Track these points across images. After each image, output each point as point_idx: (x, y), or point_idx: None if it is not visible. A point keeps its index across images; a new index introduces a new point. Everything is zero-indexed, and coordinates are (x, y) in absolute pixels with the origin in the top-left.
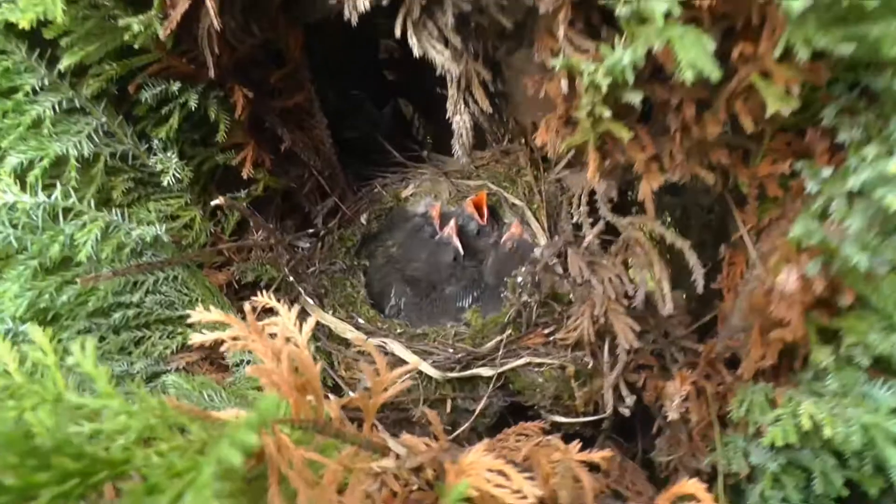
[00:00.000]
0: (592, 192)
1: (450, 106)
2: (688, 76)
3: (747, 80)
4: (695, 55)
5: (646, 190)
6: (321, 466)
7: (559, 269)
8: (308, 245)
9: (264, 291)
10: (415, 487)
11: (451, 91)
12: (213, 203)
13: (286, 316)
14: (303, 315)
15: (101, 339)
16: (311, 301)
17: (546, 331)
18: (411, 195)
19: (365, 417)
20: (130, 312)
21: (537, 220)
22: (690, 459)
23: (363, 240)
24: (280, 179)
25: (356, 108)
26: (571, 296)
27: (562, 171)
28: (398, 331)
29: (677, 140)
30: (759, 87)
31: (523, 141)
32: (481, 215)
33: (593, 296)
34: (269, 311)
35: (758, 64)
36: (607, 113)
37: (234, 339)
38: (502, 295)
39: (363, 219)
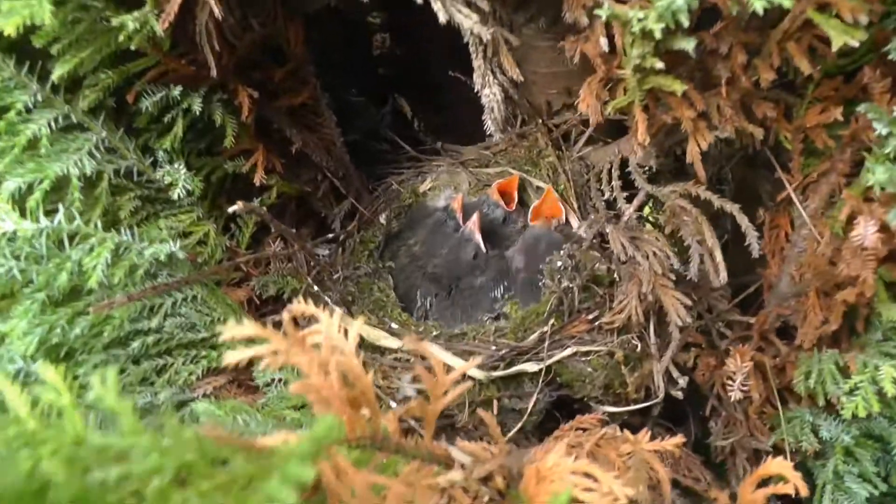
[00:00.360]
0: (623, 165)
1: (477, 78)
2: (758, 6)
3: (802, 16)
4: None
5: (694, 150)
6: (383, 487)
7: (597, 249)
8: (328, 251)
9: (295, 301)
10: (486, 499)
11: (478, 62)
12: (229, 210)
13: (328, 323)
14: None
15: (121, 370)
16: (338, 310)
17: (590, 316)
18: (430, 189)
19: (425, 426)
20: (150, 339)
21: (566, 200)
22: (750, 440)
23: (385, 240)
24: (293, 184)
25: (355, 109)
26: (616, 275)
27: (583, 148)
28: (434, 333)
29: (724, 93)
30: (820, 22)
31: (539, 121)
32: (509, 201)
33: (639, 273)
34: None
35: None
36: (659, 64)
37: (274, 353)
38: (541, 283)
39: (383, 218)
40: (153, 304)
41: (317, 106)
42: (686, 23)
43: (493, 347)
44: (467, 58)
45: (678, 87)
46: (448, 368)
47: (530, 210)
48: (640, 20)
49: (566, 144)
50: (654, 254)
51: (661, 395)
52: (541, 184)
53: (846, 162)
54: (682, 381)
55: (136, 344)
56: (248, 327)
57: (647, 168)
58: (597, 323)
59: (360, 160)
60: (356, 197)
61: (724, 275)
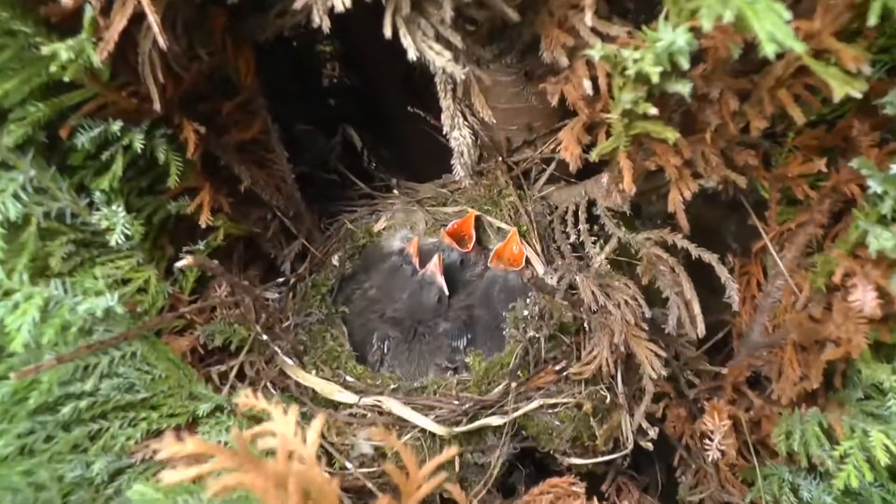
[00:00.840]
0: (590, 206)
1: (446, 119)
2: (769, 50)
3: (796, 63)
4: (772, 26)
5: (676, 199)
6: None
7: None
8: (278, 295)
9: (241, 394)
10: None
11: (447, 102)
12: (178, 266)
13: (284, 422)
14: (282, 379)
15: (49, 438)
16: (289, 361)
17: (557, 367)
18: (385, 229)
19: None
20: (83, 403)
21: (528, 242)
22: (721, 494)
23: (339, 283)
24: (241, 224)
25: (303, 140)
26: (586, 324)
27: (545, 188)
28: (392, 386)
29: (709, 140)
30: (818, 70)
31: (499, 159)
32: (466, 241)
33: (610, 322)
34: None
35: (814, 41)
36: (653, 110)
37: (223, 470)
38: (504, 332)
39: (335, 260)
40: (87, 363)
41: (267, 141)
42: (686, 65)
43: (456, 402)
44: (422, 90)
45: (670, 134)
46: (392, 427)
47: (492, 252)
48: (635, 62)
49: (527, 183)
50: (626, 302)
51: (630, 446)
52: (503, 225)
53: (824, 213)
54: (653, 433)
55: (66, 409)
56: (190, 444)
57: (616, 212)
58: (564, 374)
59: (311, 196)
60: (307, 237)
61: (702, 328)
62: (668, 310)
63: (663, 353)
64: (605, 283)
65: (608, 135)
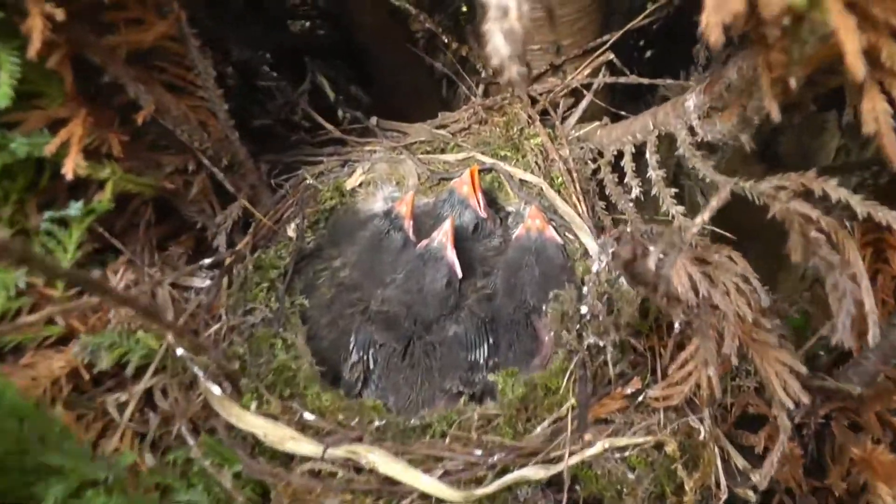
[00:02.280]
0: (671, 142)
1: None
2: None
3: None
4: None
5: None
6: None
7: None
8: (208, 283)
9: None
10: None
11: None
12: None
13: None
14: (208, 418)
15: None
16: (214, 389)
17: (629, 390)
18: (360, 185)
19: None
20: None
21: (567, 201)
22: None
23: (296, 264)
24: (144, 178)
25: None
26: (676, 324)
27: (579, 126)
28: (377, 423)
29: None
30: None
31: (514, 87)
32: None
33: (716, 321)
34: None
35: None
36: None
37: None
38: (541, 333)
39: (291, 230)
40: None
41: (183, 51)
42: None
43: (478, 450)
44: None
45: None
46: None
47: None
48: None
49: (557, 118)
50: (738, 288)
51: (724, 496)
52: (528, 176)
53: None
54: (758, 477)
55: None
56: None
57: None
58: (640, 398)
59: (258, 142)
60: (251, 198)
61: (876, 331)
62: (834, 304)
63: (802, 369)
64: (704, 261)
65: None
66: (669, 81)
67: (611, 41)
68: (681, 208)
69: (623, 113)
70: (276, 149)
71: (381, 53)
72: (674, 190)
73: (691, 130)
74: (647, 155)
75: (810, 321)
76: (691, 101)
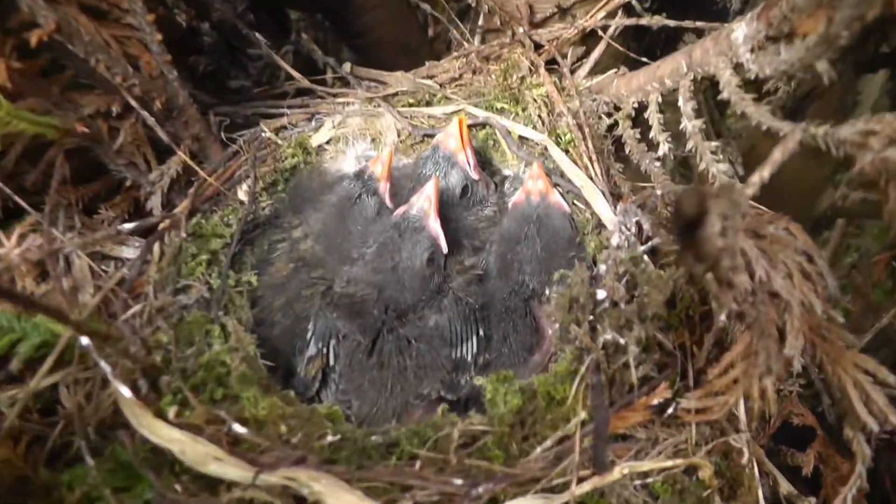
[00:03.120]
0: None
1: None
2: None
3: None
4: None
5: None
6: None
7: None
8: (134, 253)
9: None
10: None
11: None
12: None
13: None
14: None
15: None
16: (124, 391)
17: (656, 400)
18: (328, 142)
19: None
20: None
21: (577, 162)
22: None
23: (245, 233)
24: (50, 119)
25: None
26: (722, 317)
27: (592, 76)
28: (328, 439)
29: None
30: None
31: (520, 30)
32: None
33: (773, 312)
34: None
35: None
36: None
37: None
38: (548, 327)
39: (242, 192)
40: None
41: None
42: None
43: (459, 478)
44: None
45: None
46: None
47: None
48: None
49: (565, 66)
50: (802, 270)
51: None
52: (529, 132)
53: None
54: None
55: None
56: None
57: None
58: (670, 411)
59: (208, 88)
60: (195, 152)
61: None
62: None
63: (890, 378)
64: (757, 234)
65: None
66: (701, 24)
67: None
68: (724, 166)
69: (645, 60)
70: (232, 100)
71: (363, 4)
72: (714, 143)
73: (737, 69)
74: (681, 102)
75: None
76: (740, 31)
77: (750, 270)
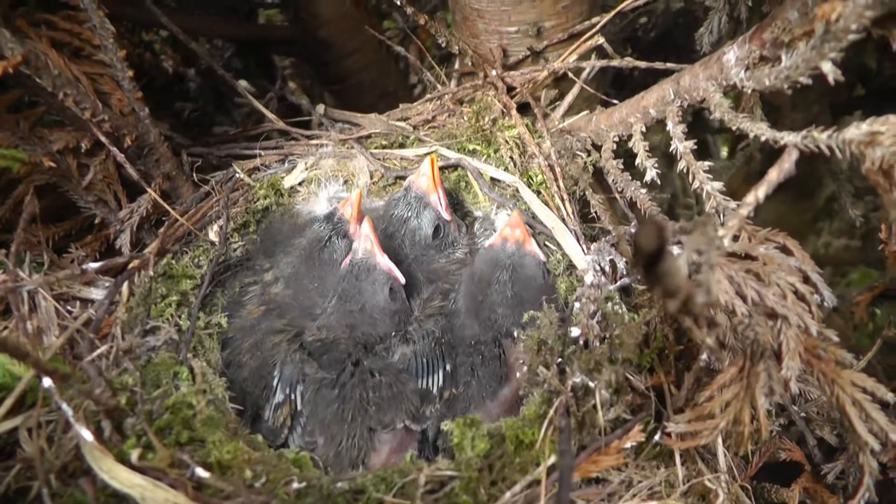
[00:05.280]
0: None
1: None
2: None
3: None
4: None
5: None
6: None
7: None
8: (103, 294)
9: None
10: None
11: None
12: None
13: None
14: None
15: None
16: (86, 435)
17: (628, 443)
18: (301, 184)
19: None
20: None
21: (548, 204)
22: None
23: (215, 275)
24: (23, 154)
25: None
26: (704, 356)
27: (566, 118)
28: (294, 485)
29: None
30: None
31: (492, 72)
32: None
33: (770, 335)
34: None
35: None
36: None
37: None
38: (517, 368)
39: (213, 233)
40: None
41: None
42: None
43: None
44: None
45: None
46: None
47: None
48: None
49: (539, 108)
50: (794, 290)
51: None
52: (501, 174)
53: None
54: None
55: None
56: None
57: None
58: (644, 452)
59: (182, 128)
60: (166, 192)
61: None
62: None
63: (890, 396)
64: (747, 256)
65: None
66: (672, 65)
67: (601, 23)
68: (718, 185)
69: (616, 102)
70: (206, 142)
71: (343, 49)
72: (707, 163)
73: (726, 91)
74: (670, 126)
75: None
76: (731, 54)
77: (742, 294)
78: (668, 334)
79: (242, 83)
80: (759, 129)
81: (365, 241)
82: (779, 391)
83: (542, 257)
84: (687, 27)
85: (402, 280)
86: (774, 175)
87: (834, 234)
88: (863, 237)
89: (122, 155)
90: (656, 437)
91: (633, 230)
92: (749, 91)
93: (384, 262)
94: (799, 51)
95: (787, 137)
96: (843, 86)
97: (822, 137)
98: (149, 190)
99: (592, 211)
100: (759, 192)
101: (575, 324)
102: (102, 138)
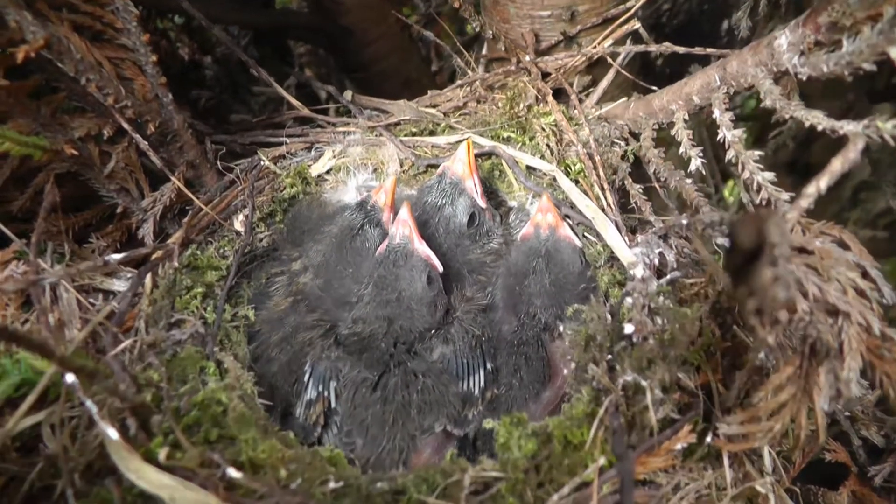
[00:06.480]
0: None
1: None
2: None
3: None
4: None
5: None
6: None
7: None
8: (126, 286)
9: None
10: None
11: None
12: None
13: None
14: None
15: None
16: (111, 433)
17: (678, 444)
18: (329, 172)
19: None
20: None
21: (589, 194)
22: None
23: (242, 265)
24: (44, 140)
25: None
26: (761, 355)
27: (601, 104)
28: (330, 485)
29: None
30: None
31: (526, 58)
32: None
33: (829, 335)
34: None
35: None
36: None
37: None
38: (562, 365)
39: (238, 222)
40: None
41: None
42: None
43: None
44: None
45: None
46: None
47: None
48: None
49: (575, 95)
50: (855, 286)
51: None
52: (537, 162)
53: None
54: None
55: None
56: None
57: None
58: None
59: (214, 125)
60: (190, 180)
61: None
62: None
63: None
64: (803, 249)
65: None
66: (711, 50)
67: (636, 6)
68: (770, 175)
69: (654, 88)
70: (228, 129)
71: (366, 37)
72: (758, 152)
73: (777, 78)
74: (717, 114)
75: None
76: (783, 38)
77: (802, 291)
78: (714, 330)
79: (262, 71)
80: (816, 118)
81: (403, 226)
82: (845, 393)
83: (578, 242)
84: (712, 14)
85: (440, 268)
86: (838, 165)
87: (858, 225)
88: (886, 228)
89: (146, 142)
90: (707, 439)
91: (683, 221)
92: (804, 77)
93: (422, 248)
94: (864, 35)
95: (848, 127)
96: (880, 73)
97: (886, 127)
98: (173, 178)
99: (632, 201)
100: (822, 182)
101: (627, 319)
102: (125, 125)
